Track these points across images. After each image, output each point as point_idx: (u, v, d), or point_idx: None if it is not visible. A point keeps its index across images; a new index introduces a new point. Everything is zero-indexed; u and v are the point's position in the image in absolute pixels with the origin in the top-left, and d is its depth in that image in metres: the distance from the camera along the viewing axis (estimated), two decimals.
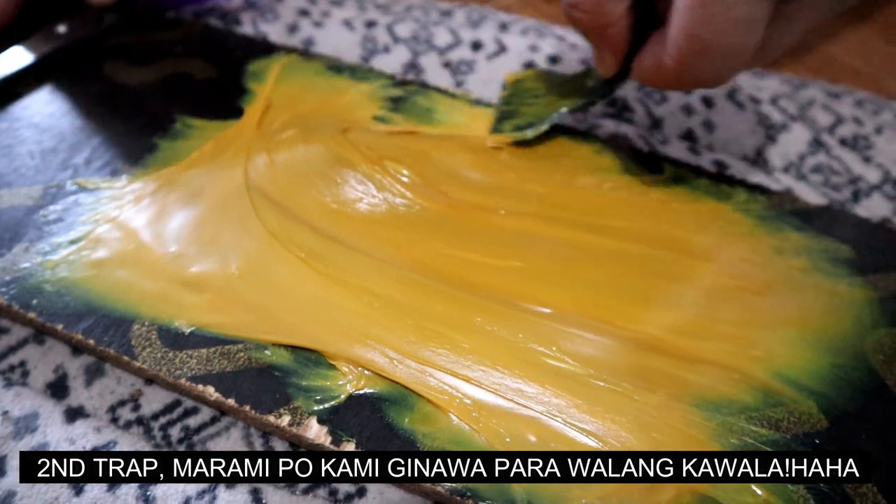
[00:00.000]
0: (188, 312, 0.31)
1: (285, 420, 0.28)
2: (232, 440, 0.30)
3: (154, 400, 0.31)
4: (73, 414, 0.30)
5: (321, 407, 0.28)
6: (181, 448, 0.29)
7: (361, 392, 0.29)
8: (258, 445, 0.30)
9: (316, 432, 0.28)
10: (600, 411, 0.29)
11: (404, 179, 0.37)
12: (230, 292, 0.32)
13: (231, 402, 0.28)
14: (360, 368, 0.29)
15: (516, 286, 0.33)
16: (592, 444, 0.28)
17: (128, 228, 0.34)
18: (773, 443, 0.29)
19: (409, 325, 0.31)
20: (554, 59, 0.46)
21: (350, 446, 0.27)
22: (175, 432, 0.30)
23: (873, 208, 0.41)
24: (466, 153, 0.37)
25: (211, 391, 0.29)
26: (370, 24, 0.48)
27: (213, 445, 0.30)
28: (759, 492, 0.27)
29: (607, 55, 0.33)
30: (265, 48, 0.43)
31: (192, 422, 0.30)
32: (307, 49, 0.46)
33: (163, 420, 0.30)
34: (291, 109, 0.40)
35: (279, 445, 0.29)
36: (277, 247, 0.33)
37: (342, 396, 0.29)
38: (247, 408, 0.28)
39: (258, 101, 0.40)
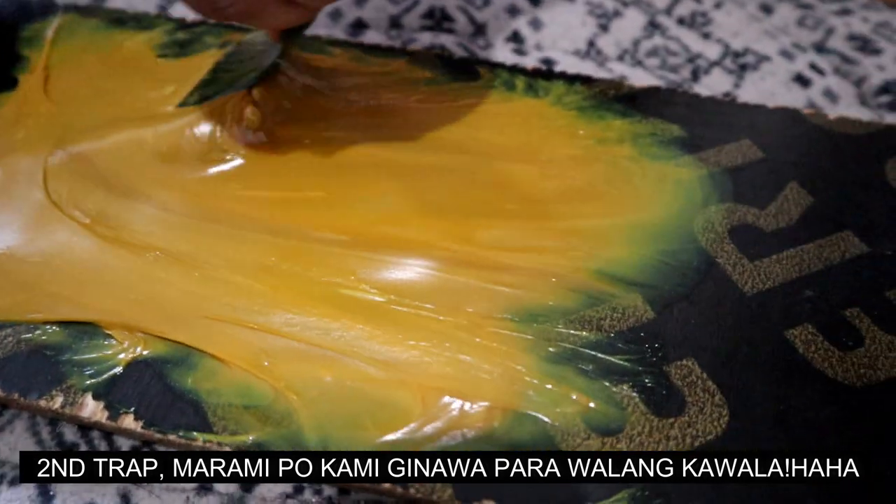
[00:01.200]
0: None
1: (58, 402, 0.25)
2: (17, 434, 0.27)
3: None
4: None
5: (96, 381, 0.26)
6: None
7: (141, 359, 0.26)
8: (46, 435, 0.27)
9: (91, 409, 0.25)
10: (401, 339, 0.27)
11: (202, 129, 0.34)
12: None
13: None
14: (138, 333, 0.27)
15: (315, 218, 0.30)
16: (390, 376, 0.26)
17: None
18: (594, 344, 0.27)
19: (195, 278, 0.28)
20: None
21: (129, 419, 0.25)
22: None
23: (714, 85, 0.39)
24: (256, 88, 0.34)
25: None
26: None
27: None
28: (574, 397, 0.25)
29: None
30: (42, 8, 0.39)
31: None
32: (97, 4, 0.42)
33: None
34: (73, 73, 0.36)
35: (69, 432, 0.27)
36: (59, 215, 0.30)
37: (119, 367, 0.26)
38: (15, 395, 0.26)
39: (35, 69, 0.36)
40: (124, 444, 0.26)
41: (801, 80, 0.39)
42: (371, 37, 0.40)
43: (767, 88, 0.39)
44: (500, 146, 0.33)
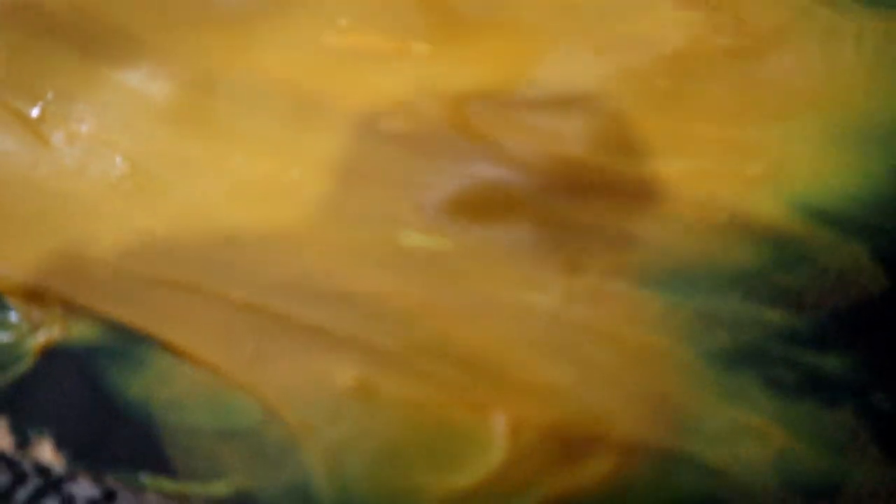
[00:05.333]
0: None
1: None
2: None
3: None
4: None
5: None
6: None
7: (60, 347, 0.17)
8: None
9: None
10: (497, 332, 0.16)
11: None
12: None
13: None
14: (55, 307, 0.17)
15: (400, 91, 0.18)
16: (454, 387, 0.15)
17: None
18: (791, 335, 0.16)
19: (164, 208, 0.18)
20: None
21: (45, 448, 0.16)
22: None
23: None
24: None
25: None
26: None
27: None
28: (759, 428, 0.15)
29: None
30: None
31: None
32: None
33: None
34: None
35: None
36: None
37: (28, 360, 0.17)
38: None
39: None
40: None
41: None
42: None
43: None
44: None
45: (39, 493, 0.17)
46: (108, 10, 0.19)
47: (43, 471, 0.17)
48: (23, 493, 0.17)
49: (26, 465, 0.17)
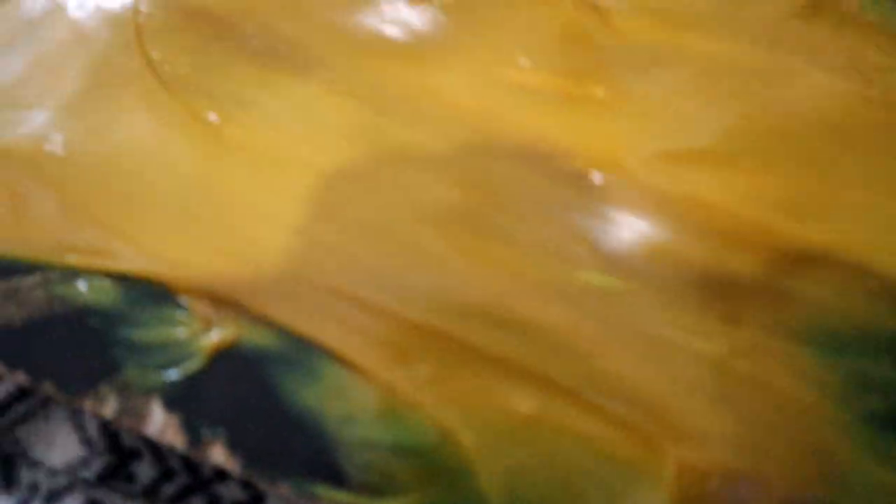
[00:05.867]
0: None
1: (111, 406, 0.17)
2: (52, 424, 0.19)
3: None
4: None
5: (165, 379, 0.17)
6: None
7: (232, 349, 0.17)
8: (93, 432, 0.19)
9: (160, 425, 0.16)
10: (655, 374, 0.17)
11: None
12: (36, 181, 0.19)
13: (22, 377, 0.17)
14: (229, 308, 0.17)
15: (574, 135, 0.19)
16: (628, 426, 0.16)
17: None
18: None
19: (355, 225, 0.18)
20: None
21: (217, 449, 0.16)
22: None
23: None
24: None
25: None
26: None
27: (27, 435, 0.19)
28: None
29: None
30: None
31: None
32: None
33: None
34: None
35: (128, 434, 0.19)
36: (163, 100, 0.20)
37: (200, 358, 0.17)
38: (48, 386, 0.17)
39: None
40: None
41: None
42: None
43: None
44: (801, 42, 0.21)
45: (186, 491, 0.18)
46: (284, 24, 0.20)
47: (191, 468, 0.18)
48: (169, 489, 0.18)
49: (174, 461, 0.18)
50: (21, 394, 0.19)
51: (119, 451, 0.18)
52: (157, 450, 0.18)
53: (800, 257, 0.18)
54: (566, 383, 0.16)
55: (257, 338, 0.17)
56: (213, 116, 0.19)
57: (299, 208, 0.18)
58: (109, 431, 0.19)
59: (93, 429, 0.19)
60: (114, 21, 0.20)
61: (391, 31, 0.19)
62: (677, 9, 0.20)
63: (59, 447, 0.19)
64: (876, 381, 0.17)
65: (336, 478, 0.16)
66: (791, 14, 0.21)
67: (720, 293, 0.17)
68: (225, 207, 0.18)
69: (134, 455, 0.18)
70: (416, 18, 0.19)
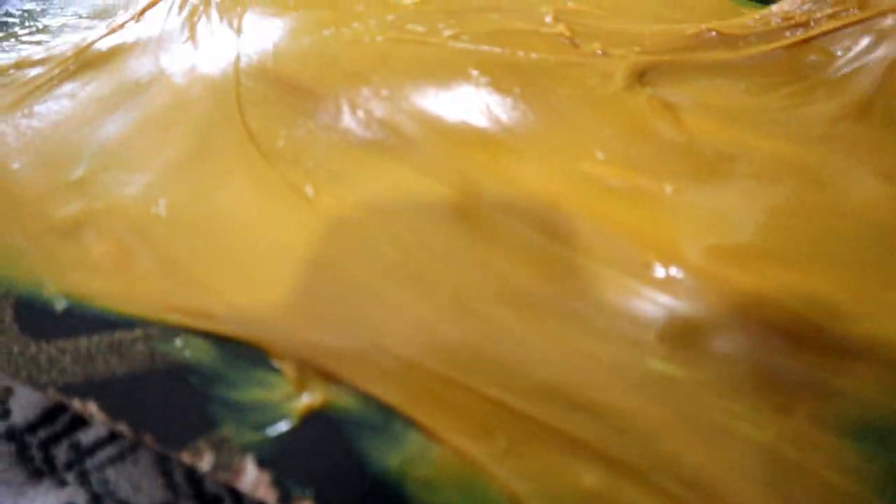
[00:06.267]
0: (66, 274, 0.20)
1: (207, 461, 0.18)
2: (141, 468, 0.20)
3: (27, 403, 0.21)
4: None
5: (260, 437, 0.18)
6: (70, 477, 0.20)
7: (320, 412, 0.18)
8: (180, 479, 0.20)
9: (253, 481, 0.18)
10: (709, 456, 0.18)
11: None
12: (141, 243, 0.21)
13: (123, 426, 0.18)
14: (319, 375, 0.19)
15: (641, 228, 0.20)
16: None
17: None
18: None
19: (441, 301, 0.19)
20: None
21: None
22: (61, 453, 0.20)
23: None
24: None
25: (94, 409, 0.19)
26: None
27: (116, 476, 0.20)
28: None
29: None
30: None
31: (84, 437, 0.20)
32: None
33: (42, 434, 0.21)
34: None
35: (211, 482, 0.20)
36: (263, 171, 0.21)
37: (291, 419, 0.18)
38: (148, 437, 0.18)
39: None
40: None
41: None
42: None
43: None
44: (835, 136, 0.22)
45: None
46: (377, 104, 0.21)
47: None
48: None
49: None
50: (112, 436, 0.20)
51: (202, 498, 0.20)
52: (238, 497, 0.20)
53: (846, 353, 0.19)
54: (630, 462, 0.18)
55: (344, 403, 0.18)
56: (308, 189, 0.20)
57: (390, 283, 0.19)
58: (194, 478, 0.20)
59: (179, 475, 0.20)
60: (215, 90, 0.22)
61: (477, 119, 0.21)
62: (738, 108, 0.22)
63: (145, 491, 0.20)
64: None
65: None
66: (844, 115, 0.23)
67: (773, 384, 0.19)
68: (317, 277, 0.19)
69: (217, 502, 0.20)
70: (501, 109, 0.21)
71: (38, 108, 0.22)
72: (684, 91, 0.22)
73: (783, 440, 0.18)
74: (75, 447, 0.20)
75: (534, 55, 0.22)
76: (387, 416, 0.18)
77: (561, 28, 0.24)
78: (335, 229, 0.20)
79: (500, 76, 0.22)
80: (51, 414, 0.21)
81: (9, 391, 0.21)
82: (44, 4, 0.26)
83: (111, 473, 0.20)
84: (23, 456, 0.20)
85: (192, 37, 0.23)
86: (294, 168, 0.20)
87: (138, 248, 0.20)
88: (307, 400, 0.18)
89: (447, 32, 0.22)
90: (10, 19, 0.25)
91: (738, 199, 0.21)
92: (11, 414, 0.21)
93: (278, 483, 0.18)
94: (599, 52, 0.23)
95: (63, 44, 0.24)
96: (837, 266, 0.20)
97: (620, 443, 0.18)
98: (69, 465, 0.20)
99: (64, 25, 0.25)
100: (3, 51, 0.24)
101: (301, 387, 0.19)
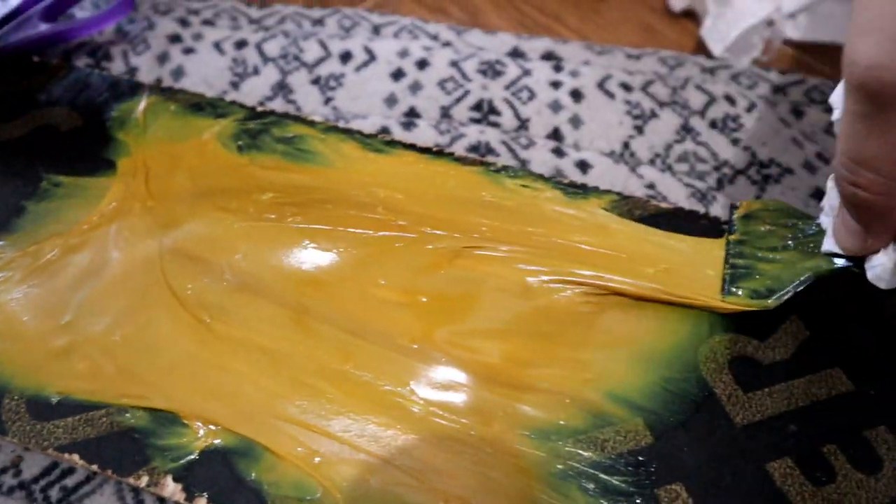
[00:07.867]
0: (58, 380, 0.33)
1: (144, 481, 0.31)
2: (105, 496, 0.32)
3: (33, 464, 0.33)
4: None
5: (176, 464, 0.31)
6: None
7: (213, 448, 0.31)
8: (129, 500, 0.32)
9: (172, 490, 0.30)
10: (440, 454, 0.31)
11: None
12: (105, 359, 0.34)
13: (95, 467, 0.31)
14: (211, 426, 0.32)
15: (406, 324, 0.34)
16: (423, 484, 0.30)
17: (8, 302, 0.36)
18: (597, 464, 0.31)
19: (283, 378, 0.33)
20: (422, 64, 0.47)
21: (202, 502, 0.30)
22: (54, 493, 0.33)
23: (737, 195, 0.42)
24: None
25: (76, 459, 0.31)
26: (240, 45, 0.48)
27: (90, 503, 0.32)
28: None
29: (879, 238, 0.30)
30: (130, 88, 0.43)
31: (70, 482, 0.33)
32: (175, 81, 0.46)
33: (42, 482, 0.33)
34: (171, 169, 0.40)
35: (149, 499, 0.32)
36: (178, 310, 0.35)
37: (195, 453, 0.31)
38: (109, 472, 0.31)
39: (134, 155, 0.41)
40: None
41: (820, 196, 0.42)
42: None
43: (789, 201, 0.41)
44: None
45: None
46: (244, 263, 0.36)
47: None
48: None
49: None
50: (87, 478, 0.33)
51: None
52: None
53: (525, 387, 0.33)
54: (395, 463, 0.31)
55: (225, 440, 0.31)
56: (207, 318, 0.34)
57: (251, 370, 0.33)
58: (139, 498, 0.32)
59: (129, 498, 0.32)
60: (148, 264, 0.36)
61: (307, 267, 0.35)
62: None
63: None
64: (562, 454, 0.31)
65: None
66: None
67: (479, 407, 0.32)
68: (210, 370, 0.33)
69: None
70: (322, 261, 0.35)
71: (37, 281, 0.36)
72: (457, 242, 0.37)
73: (484, 442, 0.31)
74: (64, 488, 0.33)
75: (351, 229, 0.37)
76: (250, 446, 0.31)
77: (380, 210, 0.38)
78: (223, 342, 0.34)
79: (323, 243, 0.36)
80: (47, 470, 0.33)
81: (20, 458, 0.33)
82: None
83: (86, 502, 0.32)
84: (30, 498, 0.33)
85: (131, 234, 0.37)
86: (197, 307, 0.34)
87: (104, 362, 0.33)
88: (203, 441, 0.31)
89: (290, 218, 0.37)
90: None
91: (470, 302, 0.35)
92: (22, 473, 0.33)
93: (187, 489, 0.30)
94: (403, 222, 0.38)
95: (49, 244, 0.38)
96: (522, 337, 0.34)
97: (392, 453, 0.31)
98: (60, 501, 0.32)
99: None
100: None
101: (199, 433, 0.31)
